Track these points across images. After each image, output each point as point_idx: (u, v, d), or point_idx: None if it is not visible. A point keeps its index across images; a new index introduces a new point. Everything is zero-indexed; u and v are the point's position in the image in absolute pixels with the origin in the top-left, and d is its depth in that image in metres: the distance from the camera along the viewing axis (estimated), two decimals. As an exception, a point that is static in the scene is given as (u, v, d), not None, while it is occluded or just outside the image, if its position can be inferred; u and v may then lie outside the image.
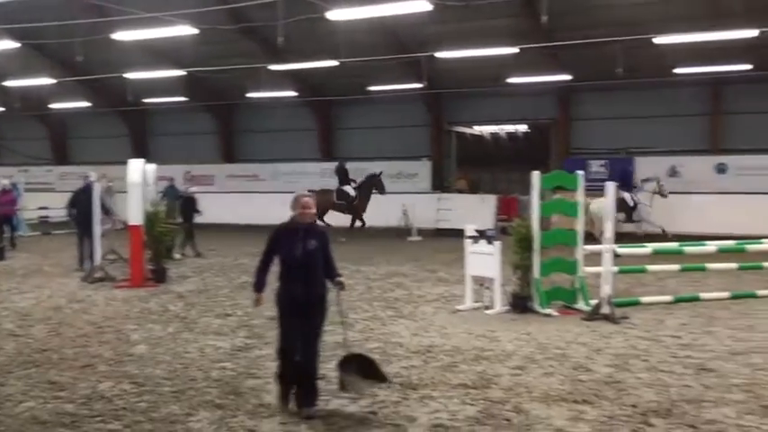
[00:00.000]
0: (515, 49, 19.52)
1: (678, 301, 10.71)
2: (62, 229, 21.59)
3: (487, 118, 27.42)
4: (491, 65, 22.03)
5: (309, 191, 21.64)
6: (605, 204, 10.54)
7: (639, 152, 22.28)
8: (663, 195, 19.66)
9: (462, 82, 24.40)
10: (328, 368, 6.49)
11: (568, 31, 20.08)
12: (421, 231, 22.57)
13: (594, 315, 9.58)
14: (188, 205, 17.36)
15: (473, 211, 21.56)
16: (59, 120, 33.42)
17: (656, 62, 20.75)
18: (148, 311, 10.45)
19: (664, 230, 18.57)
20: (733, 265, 11.20)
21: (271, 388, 6.33)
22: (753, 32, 17.18)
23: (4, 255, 17.18)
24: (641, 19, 19.25)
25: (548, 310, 9.96)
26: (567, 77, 22.38)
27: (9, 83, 25.99)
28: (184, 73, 24.63)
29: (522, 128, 30.20)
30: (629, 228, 19.31)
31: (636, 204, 19.39)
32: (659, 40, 18.17)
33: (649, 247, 11.46)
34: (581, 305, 10.15)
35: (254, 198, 27.58)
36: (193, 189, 18.65)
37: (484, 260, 10.25)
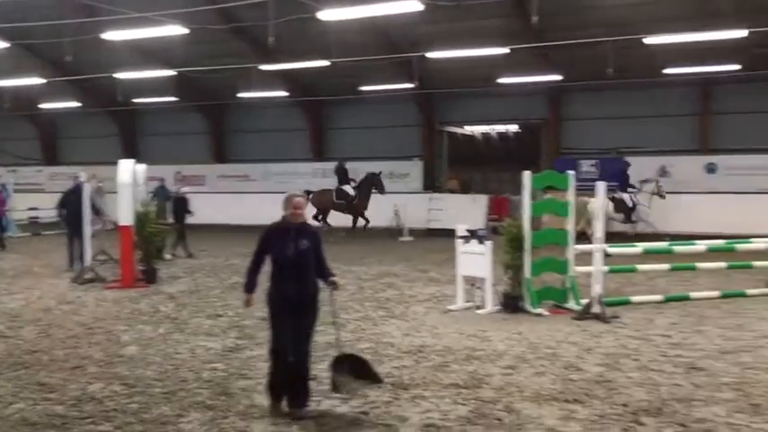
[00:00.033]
0: (506, 50, 19.57)
1: (668, 300, 10.76)
2: (52, 229, 21.48)
3: (479, 118, 27.47)
4: (482, 65, 22.07)
5: (309, 191, 21.95)
6: (598, 204, 10.57)
7: (630, 152, 22.37)
8: (661, 196, 19.80)
9: (453, 82, 24.44)
10: (320, 368, 6.49)
11: (559, 32, 20.14)
12: (412, 231, 22.57)
13: (585, 314, 9.61)
14: (180, 205, 17.31)
15: (464, 211, 21.59)
16: (49, 120, 33.26)
17: (646, 62, 20.85)
18: (139, 312, 10.41)
19: (659, 233, 18.58)
20: (722, 265, 11.25)
21: (262, 389, 6.31)
22: (742, 33, 17.29)
23: (-7, 256, 17.11)
24: (631, 19, 19.33)
25: (539, 310, 9.99)
26: (558, 78, 22.45)
27: (-2, 83, 25.86)
28: (175, 73, 24.55)
29: (513, 128, 30.26)
30: (619, 227, 19.41)
31: (635, 205, 19.53)
32: (649, 40, 18.26)
33: (640, 247, 11.52)
34: (572, 305, 10.18)
35: (246, 198, 27.53)
36: (185, 189, 18.63)
37: (475, 260, 10.27)
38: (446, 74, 23.83)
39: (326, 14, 16.03)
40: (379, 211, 22.25)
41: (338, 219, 22.28)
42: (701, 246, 11.34)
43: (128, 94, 27.45)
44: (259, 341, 8.09)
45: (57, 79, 25.75)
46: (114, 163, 13.47)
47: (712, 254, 11.24)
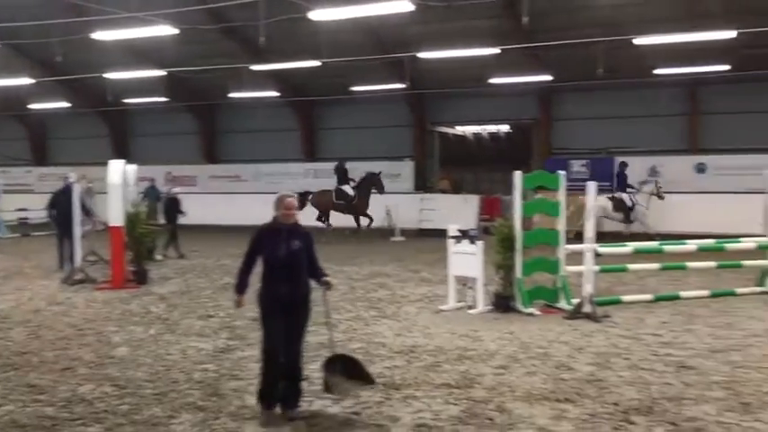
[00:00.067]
0: (497, 50, 19.62)
1: (659, 299, 10.79)
2: (42, 230, 21.32)
3: (470, 118, 27.52)
4: (473, 65, 22.11)
5: (309, 192, 21.90)
6: (589, 204, 10.59)
7: (620, 152, 22.47)
8: (660, 197, 19.91)
9: (445, 82, 24.48)
10: (312, 369, 6.48)
11: (549, 32, 20.21)
12: (404, 231, 22.59)
13: (576, 314, 9.63)
14: (171, 206, 17.25)
15: (456, 211, 21.58)
16: (39, 120, 33.10)
17: (635, 63, 20.95)
18: (130, 313, 10.36)
19: (652, 234, 18.59)
20: (712, 264, 11.30)
21: (253, 390, 6.30)
22: (731, 34, 17.40)
23: (-18, 257, 16.99)
24: (621, 20, 19.41)
25: (530, 310, 10.01)
26: (549, 78, 22.53)
27: (-13, 83, 25.70)
28: (165, 73, 24.48)
29: (505, 128, 30.33)
30: (617, 226, 19.53)
31: (634, 205, 19.64)
32: (639, 40, 18.36)
33: (630, 247, 11.57)
34: (563, 304, 10.21)
35: (237, 199, 27.47)
36: (176, 190, 18.58)
37: (467, 260, 10.28)
38: (437, 74, 23.87)
39: (317, 14, 16.02)
40: (370, 212, 22.24)
41: (340, 218, 22.24)
42: (691, 245, 11.40)
43: (118, 94, 27.35)
44: (250, 342, 8.07)
45: (46, 79, 25.62)
46: (104, 163, 13.40)
47: (702, 253, 11.29)
